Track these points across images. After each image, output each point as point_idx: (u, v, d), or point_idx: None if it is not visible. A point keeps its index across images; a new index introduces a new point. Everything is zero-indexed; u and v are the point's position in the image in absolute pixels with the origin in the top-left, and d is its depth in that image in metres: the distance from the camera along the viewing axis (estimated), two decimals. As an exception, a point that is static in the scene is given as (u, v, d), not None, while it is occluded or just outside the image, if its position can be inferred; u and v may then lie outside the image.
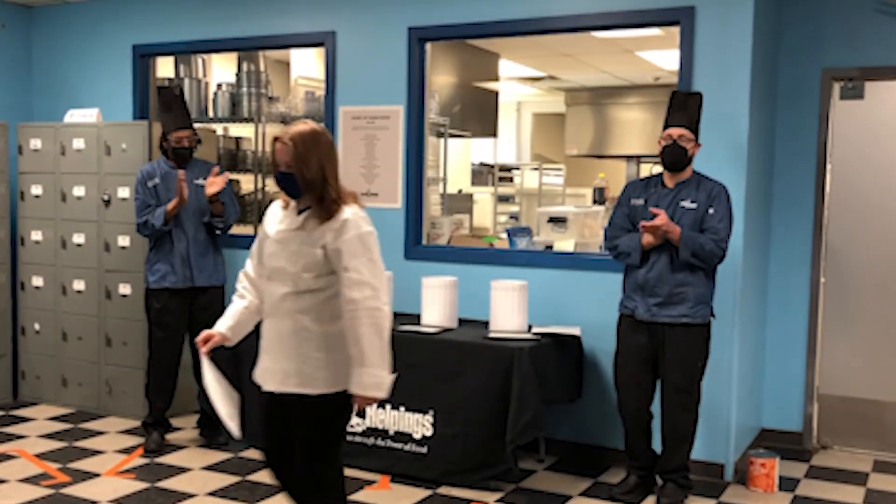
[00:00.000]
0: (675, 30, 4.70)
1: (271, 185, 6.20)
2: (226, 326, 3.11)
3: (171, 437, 5.23)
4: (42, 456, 4.90)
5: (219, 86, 6.51)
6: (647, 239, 4.13)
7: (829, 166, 5.20)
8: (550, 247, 5.78)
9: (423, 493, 4.40)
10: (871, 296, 5.23)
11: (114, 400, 5.70)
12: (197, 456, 4.94)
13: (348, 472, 4.59)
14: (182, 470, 4.70)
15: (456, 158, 8.30)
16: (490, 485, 4.45)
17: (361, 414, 3.06)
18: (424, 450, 4.53)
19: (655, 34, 6.02)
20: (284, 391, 2.98)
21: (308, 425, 2.98)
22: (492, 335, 4.56)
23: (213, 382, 3.05)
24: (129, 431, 5.39)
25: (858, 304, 5.25)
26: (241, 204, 6.25)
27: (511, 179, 9.62)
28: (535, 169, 9.35)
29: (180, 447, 5.08)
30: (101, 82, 6.34)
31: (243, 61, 6.41)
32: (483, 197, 8.74)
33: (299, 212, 2.97)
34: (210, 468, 4.73)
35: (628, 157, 9.25)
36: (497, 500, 4.33)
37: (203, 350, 3.08)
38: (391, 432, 4.61)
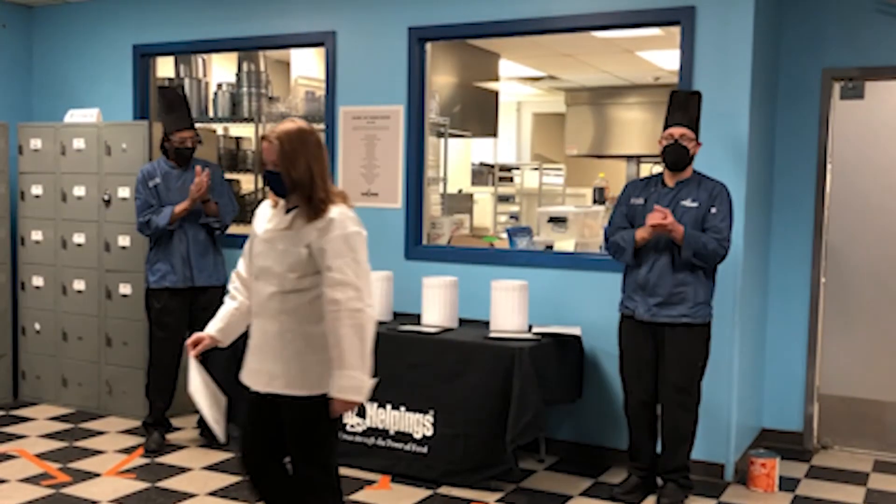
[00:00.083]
0: (676, 30, 4.70)
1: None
2: (216, 329, 3.10)
3: (171, 436, 5.23)
4: (42, 456, 4.90)
5: (219, 86, 6.51)
6: (641, 234, 4.14)
7: (829, 166, 5.20)
8: (551, 247, 5.78)
9: (423, 493, 4.40)
10: (871, 296, 5.23)
11: (114, 400, 5.70)
12: (197, 456, 4.94)
13: (349, 472, 4.61)
14: (182, 470, 4.70)
15: (456, 158, 8.30)
16: (490, 485, 4.45)
17: (340, 420, 2.97)
18: (425, 450, 4.53)
19: (655, 34, 6.02)
20: (271, 392, 2.94)
21: (296, 427, 2.94)
22: (492, 335, 4.56)
23: (200, 386, 3.03)
24: (129, 431, 5.39)
25: (858, 304, 5.25)
26: (241, 204, 6.25)
27: (511, 179, 9.62)
28: (536, 169, 9.35)
29: (181, 447, 5.08)
30: (101, 82, 6.34)
31: (243, 61, 6.42)
32: (483, 197, 8.74)
33: (287, 211, 2.94)
34: (210, 468, 4.73)
35: (628, 157, 9.25)
36: (497, 500, 4.33)
37: (192, 353, 3.06)
38: (392, 432, 4.62)
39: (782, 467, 4.69)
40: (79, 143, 5.74)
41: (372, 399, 4.65)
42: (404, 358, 4.58)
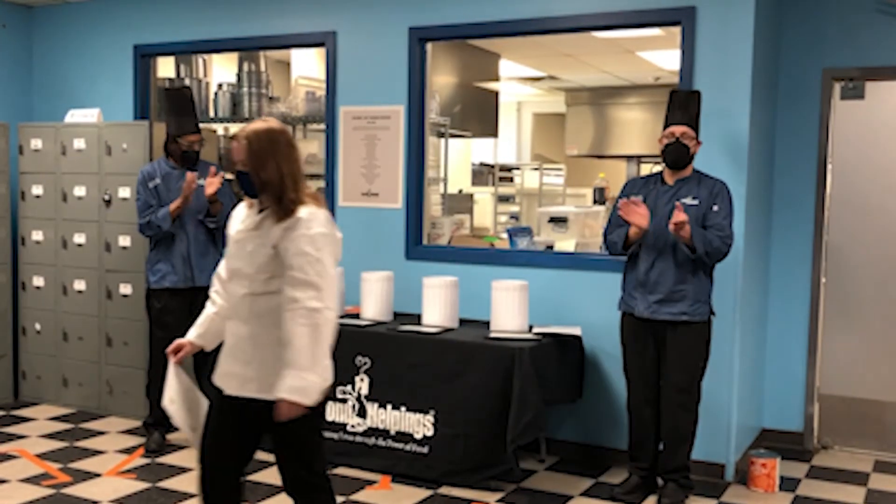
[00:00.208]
0: (676, 30, 4.70)
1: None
2: (195, 335, 3.06)
3: (171, 437, 5.22)
4: (43, 456, 4.90)
5: (219, 86, 6.51)
6: (633, 230, 4.14)
7: (829, 166, 5.21)
8: (551, 247, 5.78)
9: (423, 493, 4.40)
10: (871, 296, 5.23)
11: (114, 400, 5.71)
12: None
13: (349, 472, 4.61)
14: (183, 470, 4.70)
15: (456, 158, 8.30)
16: (491, 485, 4.45)
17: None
18: (425, 450, 4.53)
19: (656, 34, 6.02)
20: (243, 396, 2.88)
21: (276, 432, 2.89)
22: (492, 335, 4.56)
23: (177, 395, 3.00)
24: (129, 431, 5.39)
25: (859, 304, 5.26)
26: (242, 204, 6.24)
27: (511, 179, 9.62)
28: (536, 169, 9.35)
29: (181, 447, 5.08)
30: (101, 82, 6.34)
31: (244, 61, 6.41)
32: (483, 197, 8.74)
33: (260, 211, 2.89)
34: (211, 468, 4.73)
35: (628, 157, 9.24)
36: (498, 501, 4.33)
37: (173, 360, 3.03)
38: (392, 432, 4.62)
39: (783, 467, 4.69)
40: (79, 143, 5.75)
41: (372, 399, 4.65)
42: (404, 358, 4.58)
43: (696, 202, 4.16)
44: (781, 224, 5.30)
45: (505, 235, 6.09)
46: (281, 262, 2.79)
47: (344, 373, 4.68)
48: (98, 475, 4.60)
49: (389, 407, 4.61)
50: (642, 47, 7.29)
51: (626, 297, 4.31)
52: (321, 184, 5.75)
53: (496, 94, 8.03)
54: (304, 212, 2.80)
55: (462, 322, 4.94)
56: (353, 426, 4.71)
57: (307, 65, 6.82)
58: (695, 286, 4.14)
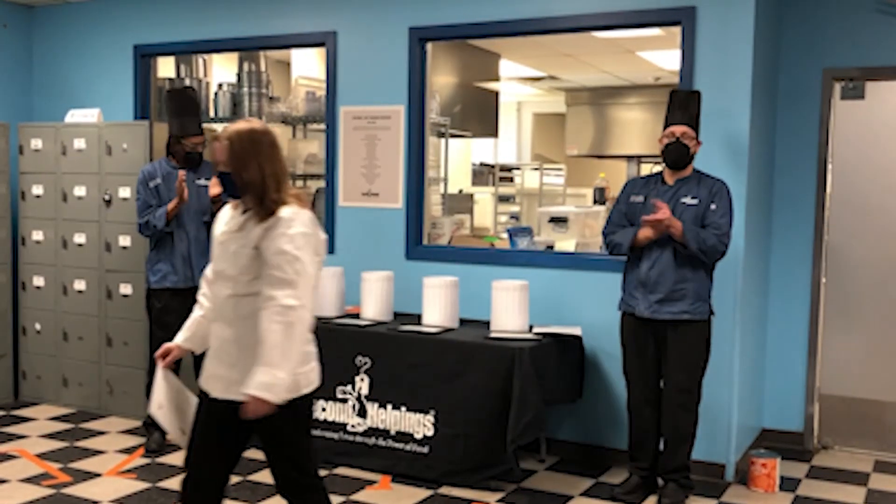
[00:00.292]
0: (676, 30, 4.70)
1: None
2: (183, 338, 3.06)
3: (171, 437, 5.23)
4: (43, 456, 4.90)
5: (220, 86, 6.51)
6: (646, 233, 4.14)
7: (829, 166, 5.21)
8: (551, 247, 5.78)
9: (424, 493, 4.40)
10: (871, 296, 5.23)
11: (115, 400, 5.71)
12: (198, 456, 4.94)
13: (349, 472, 4.61)
14: (183, 470, 4.69)
15: (456, 158, 8.29)
16: (491, 485, 4.45)
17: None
18: (425, 450, 4.53)
19: (656, 34, 6.01)
20: (229, 398, 2.86)
21: (263, 433, 2.89)
22: (493, 335, 4.56)
23: (165, 399, 3.00)
24: (129, 431, 5.39)
25: (859, 304, 5.26)
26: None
27: (511, 179, 9.62)
28: (536, 169, 9.34)
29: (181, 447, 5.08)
30: (101, 82, 6.34)
31: (244, 61, 6.41)
32: (484, 197, 8.73)
33: (243, 212, 2.88)
34: (211, 468, 4.73)
35: (629, 157, 9.24)
36: (498, 501, 4.33)
37: (162, 365, 3.02)
38: (392, 432, 4.62)
39: (783, 467, 4.69)
40: (79, 143, 5.75)
41: (373, 399, 4.65)
42: (405, 358, 4.58)
43: (695, 202, 4.17)
44: (781, 224, 5.30)
45: (505, 235, 6.09)
46: (260, 261, 2.79)
47: (344, 373, 4.68)
48: (98, 475, 4.60)
49: (389, 407, 4.62)
50: (642, 47, 7.29)
51: (627, 297, 4.31)
52: (321, 184, 5.75)
53: (496, 94, 8.03)
54: (286, 212, 2.80)
55: (462, 322, 4.94)
56: (353, 426, 4.71)
57: (307, 65, 6.82)
58: (695, 285, 4.14)
